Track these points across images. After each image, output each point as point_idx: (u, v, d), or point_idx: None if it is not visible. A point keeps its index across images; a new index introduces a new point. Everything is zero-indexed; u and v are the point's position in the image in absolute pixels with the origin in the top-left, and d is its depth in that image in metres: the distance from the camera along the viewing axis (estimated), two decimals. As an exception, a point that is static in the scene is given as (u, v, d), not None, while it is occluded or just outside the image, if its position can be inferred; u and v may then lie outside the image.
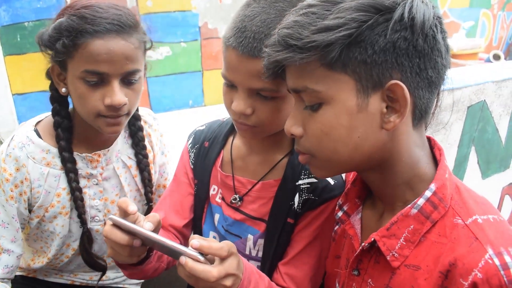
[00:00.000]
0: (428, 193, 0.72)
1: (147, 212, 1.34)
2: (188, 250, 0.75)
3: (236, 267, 0.80)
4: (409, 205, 0.73)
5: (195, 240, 0.76)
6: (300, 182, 1.05)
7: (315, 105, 0.72)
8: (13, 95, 2.38)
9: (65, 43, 1.00)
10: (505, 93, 1.82)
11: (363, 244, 0.78)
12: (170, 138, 1.43)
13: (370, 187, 0.84)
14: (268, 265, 1.08)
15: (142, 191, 1.31)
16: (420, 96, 0.70)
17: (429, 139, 0.80)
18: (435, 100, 0.74)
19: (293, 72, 0.73)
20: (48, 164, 1.16)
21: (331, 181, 1.04)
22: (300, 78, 0.72)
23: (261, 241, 1.09)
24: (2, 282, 1.15)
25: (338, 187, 1.04)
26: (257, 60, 0.87)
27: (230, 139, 1.17)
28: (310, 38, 0.66)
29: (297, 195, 1.05)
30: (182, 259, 0.75)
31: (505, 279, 0.61)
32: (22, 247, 1.20)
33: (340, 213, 0.88)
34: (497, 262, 0.63)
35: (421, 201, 0.72)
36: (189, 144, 1.21)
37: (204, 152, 1.18)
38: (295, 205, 1.05)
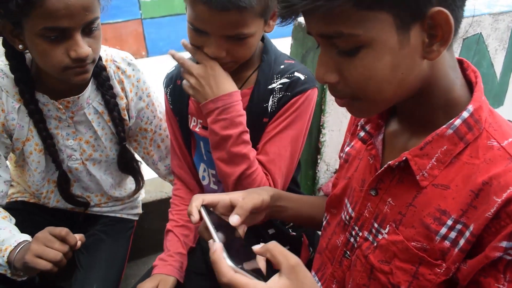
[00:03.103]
0: (465, 114, 0.70)
1: (121, 151, 1.38)
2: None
3: None
4: (445, 126, 0.71)
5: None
6: (273, 85, 1.11)
7: (353, 49, 0.66)
8: None
9: (19, 3, 0.95)
10: (502, 26, 1.79)
11: (389, 163, 0.76)
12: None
13: (400, 112, 0.81)
14: None
15: (114, 131, 1.33)
16: (458, 16, 0.65)
17: (461, 61, 0.77)
18: None
19: (321, 17, 0.65)
20: (19, 100, 1.17)
21: (301, 76, 1.10)
22: (332, 23, 0.64)
23: None
24: None
25: (309, 81, 1.10)
26: (231, 12, 0.92)
27: None
28: None
29: (271, 97, 1.11)
30: None
31: None
32: (9, 174, 1.23)
33: (362, 133, 0.86)
34: None
35: (457, 122, 0.70)
36: (164, 88, 1.29)
37: (178, 89, 1.23)
38: (269, 105, 1.11)
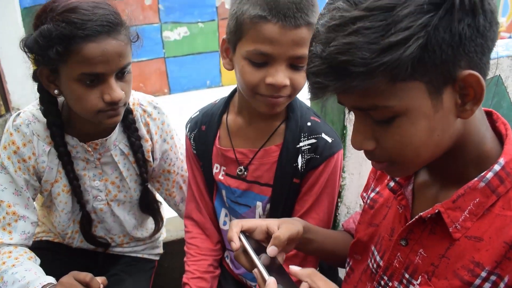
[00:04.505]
0: (497, 167, 0.71)
1: (143, 192, 1.39)
2: None
3: None
4: (477, 178, 0.71)
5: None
6: (301, 144, 1.12)
7: (388, 119, 0.67)
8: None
9: (58, 51, 1.00)
10: (522, 68, 1.80)
11: (421, 214, 0.76)
12: (188, 118, 1.45)
13: (431, 164, 0.79)
14: None
15: (138, 171, 1.35)
16: (486, 72, 0.67)
17: (491, 112, 0.78)
18: None
19: (355, 93, 0.66)
20: (50, 143, 1.22)
21: (328, 139, 1.11)
22: (366, 97, 0.66)
23: (269, 206, 1.15)
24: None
25: (336, 144, 1.12)
26: (300, 29, 0.94)
27: (224, 117, 1.23)
28: (378, 61, 0.59)
29: (299, 157, 1.11)
30: None
31: None
32: (36, 215, 1.27)
33: (392, 183, 0.87)
34: None
35: (489, 175, 0.71)
36: (188, 133, 1.30)
37: (203, 135, 1.25)
38: (299, 166, 1.12)
